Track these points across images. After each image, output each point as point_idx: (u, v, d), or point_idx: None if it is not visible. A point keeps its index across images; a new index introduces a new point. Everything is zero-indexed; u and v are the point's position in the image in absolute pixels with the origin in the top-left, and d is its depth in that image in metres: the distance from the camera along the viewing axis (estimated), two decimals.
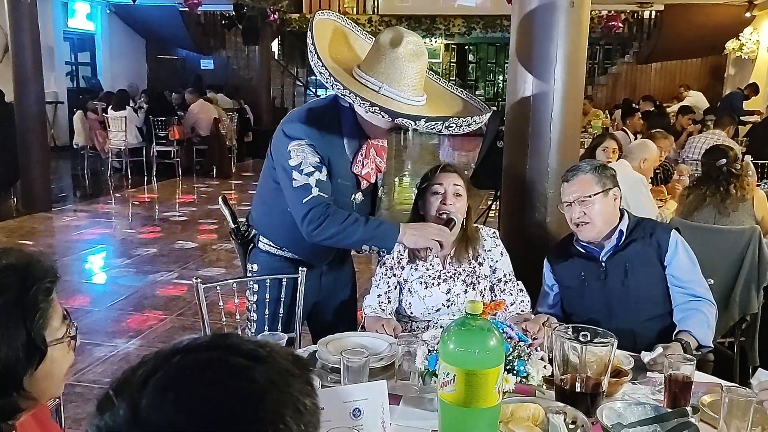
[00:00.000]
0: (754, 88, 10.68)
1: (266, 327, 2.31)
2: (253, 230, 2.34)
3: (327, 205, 2.04)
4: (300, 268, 2.29)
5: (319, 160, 2.06)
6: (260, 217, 2.33)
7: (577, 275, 2.32)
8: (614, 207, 2.26)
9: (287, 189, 2.08)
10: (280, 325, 2.34)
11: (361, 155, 2.16)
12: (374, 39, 2.10)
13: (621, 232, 2.26)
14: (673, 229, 2.28)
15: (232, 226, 2.39)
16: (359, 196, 2.22)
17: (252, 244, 2.35)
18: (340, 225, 2.03)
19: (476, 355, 1.24)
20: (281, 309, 2.32)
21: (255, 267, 2.33)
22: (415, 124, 1.94)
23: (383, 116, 1.92)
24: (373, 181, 2.24)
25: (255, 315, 2.35)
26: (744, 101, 10.55)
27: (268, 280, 2.28)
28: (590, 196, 2.22)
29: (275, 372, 0.63)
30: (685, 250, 2.25)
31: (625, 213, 2.30)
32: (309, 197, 2.03)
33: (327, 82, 1.92)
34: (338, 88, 1.92)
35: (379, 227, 2.08)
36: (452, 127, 1.96)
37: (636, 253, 2.24)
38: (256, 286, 2.32)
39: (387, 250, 2.20)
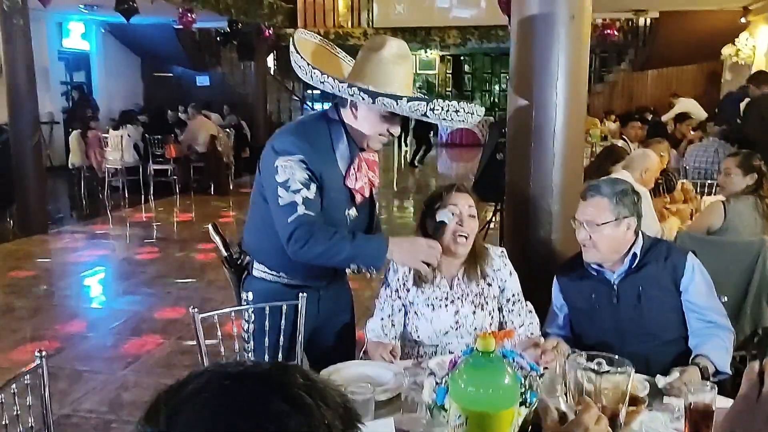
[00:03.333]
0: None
1: (266, 357, 2.23)
2: (247, 257, 2.27)
3: (313, 223, 1.97)
4: (300, 294, 2.21)
5: (308, 177, 1.99)
6: (252, 239, 2.26)
7: (587, 297, 2.24)
8: (624, 236, 2.16)
9: (273, 206, 2.02)
10: (279, 354, 2.26)
11: (354, 168, 2.10)
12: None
13: (635, 254, 2.17)
14: (690, 253, 2.19)
15: (224, 254, 2.32)
16: (353, 211, 2.15)
17: (246, 272, 2.28)
18: (326, 243, 1.96)
19: (489, 396, 1.17)
20: (281, 337, 2.25)
21: (250, 295, 2.26)
22: (397, 104, 1.88)
23: (363, 98, 1.89)
24: (367, 195, 2.17)
25: (252, 344, 2.27)
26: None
27: (267, 308, 2.21)
28: (599, 224, 2.13)
29: (312, 426, 0.64)
30: (702, 275, 2.16)
31: (640, 234, 2.21)
32: (295, 216, 1.97)
33: (305, 74, 1.93)
34: (316, 75, 1.91)
35: (367, 244, 2.02)
36: (437, 110, 1.88)
37: (650, 277, 2.16)
38: (252, 315, 2.24)
39: (375, 268, 2.12)
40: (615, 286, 2.19)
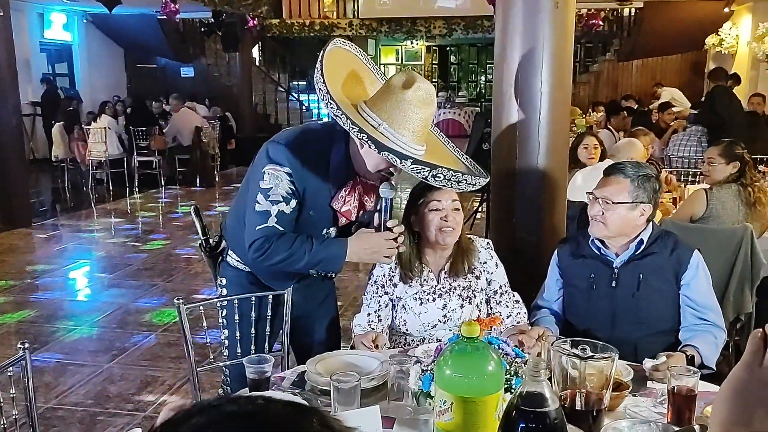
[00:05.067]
0: (735, 79, 10.75)
1: (252, 347, 2.23)
2: (223, 242, 2.27)
3: (277, 235, 1.96)
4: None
5: (290, 192, 1.96)
6: (232, 226, 2.24)
7: (586, 277, 2.23)
8: (637, 220, 2.15)
9: (249, 208, 2.01)
10: (266, 344, 2.27)
11: (345, 191, 2.05)
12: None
13: (641, 241, 2.17)
14: (696, 250, 2.19)
15: (202, 238, 2.33)
16: (333, 231, 2.11)
17: (221, 258, 2.29)
18: (285, 253, 1.95)
19: (474, 381, 1.18)
20: (267, 327, 2.25)
21: (224, 281, 2.27)
22: (401, 163, 1.81)
23: (370, 146, 1.82)
24: (353, 218, 2.11)
25: (227, 331, 2.26)
26: None
27: (244, 296, 2.20)
28: (614, 203, 2.12)
29: None
30: (705, 273, 2.17)
31: (651, 222, 2.21)
32: (263, 225, 1.96)
33: (323, 99, 1.83)
34: (332, 107, 1.82)
35: (326, 250, 1.99)
36: (440, 177, 1.84)
37: (652, 266, 2.16)
38: (225, 301, 2.24)
39: (335, 273, 2.10)
40: (616, 270, 2.19)
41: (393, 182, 2.02)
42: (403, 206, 2.31)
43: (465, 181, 1.89)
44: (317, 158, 2.00)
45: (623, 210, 2.12)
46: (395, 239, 1.99)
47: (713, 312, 2.15)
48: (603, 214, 2.14)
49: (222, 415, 0.56)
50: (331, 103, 1.81)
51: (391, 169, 1.97)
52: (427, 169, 1.82)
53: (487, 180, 2.00)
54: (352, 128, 1.81)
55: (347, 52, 2.05)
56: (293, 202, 1.97)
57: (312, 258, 1.97)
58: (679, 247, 2.17)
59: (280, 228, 1.96)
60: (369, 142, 1.81)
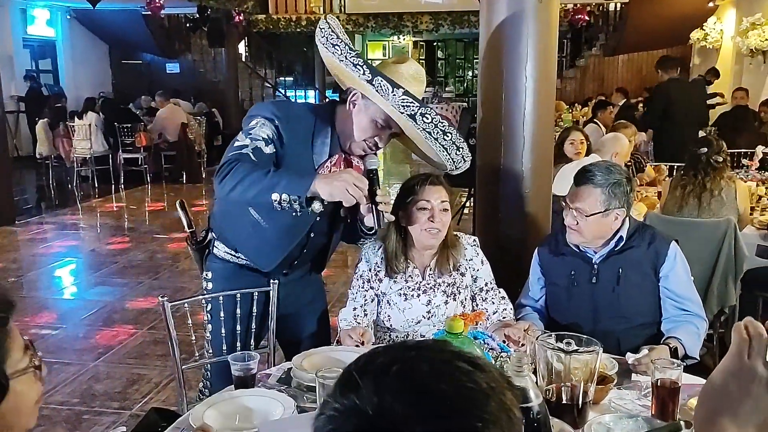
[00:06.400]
0: (714, 73, 10.82)
1: (238, 343, 2.22)
2: (210, 234, 2.26)
3: (246, 161, 1.89)
4: (272, 281, 2.20)
5: (271, 137, 1.94)
6: (218, 213, 2.23)
7: (567, 274, 2.24)
8: (611, 224, 2.15)
9: (228, 150, 1.96)
10: (252, 340, 2.26)
11: (331, 162, 2.04)
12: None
13: (621, 238, 2.18)
14: (673, 241, 2.20)
15: (188, 230, 2.32)
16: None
17: (207, 250, 2.27)
18: (245, 171, 1.84)
19: None
20: (253, 323, 2.24)
21: (209, 274, 2.25)
22: (393, 91, 1.82)
23: (364, 72, 1.83)
24: None
25: (210, 326, 2.24)
26: (707, 86, 10.64)
27: (238, 295, 2.19)
28: (587, 216, 2.12)
29: (493, 380, 0.70)
30: (683, 264, 2.18)
31: (627, 218, 2.21)
32: (236, 152, 1.90)
33: (323, 34, 1.88)
34: (332, 38, 1.87)
35: (291, 173, 1.87)
36: (428, 118, 1.84)
37: (631, 260, 2.17)
38: (210, 297, 2.22)
39: (300, 198, 1.81)
40: (595, 266, 2.20)
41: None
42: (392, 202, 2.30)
43: (451, 135, 1.88)
44: (300, 127, 2.00)
45: (597, 218, 2.12)
46: (363, 185, 1.83)
47: (693, 302, 2.16)
48: (577, 223, 2.14)
49: (398, 348, 0.74)
50: (332, 35, 1.86)
51: (375, 139, 1.99)
52: (416, 104, 1.83)
53: (468, 161, 2.01)
54: (350, 53, 1.85)
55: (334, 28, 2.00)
56: (271, 147, 1.95)
57: (274, 176, 1.82)
58: (656, 240, 2.19)
59: (253, 159, 1.90)
60: (365, 67, 1.83)
